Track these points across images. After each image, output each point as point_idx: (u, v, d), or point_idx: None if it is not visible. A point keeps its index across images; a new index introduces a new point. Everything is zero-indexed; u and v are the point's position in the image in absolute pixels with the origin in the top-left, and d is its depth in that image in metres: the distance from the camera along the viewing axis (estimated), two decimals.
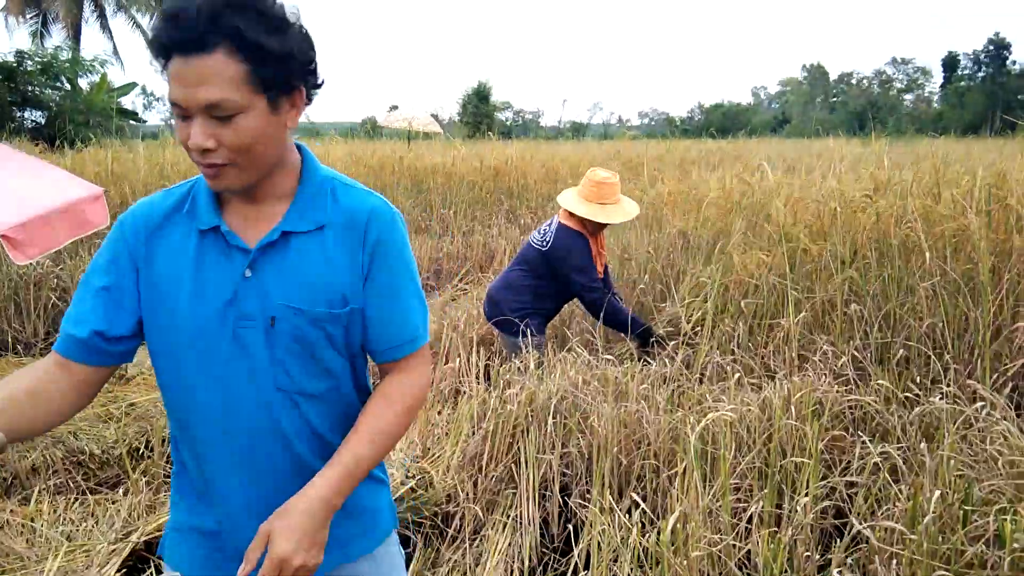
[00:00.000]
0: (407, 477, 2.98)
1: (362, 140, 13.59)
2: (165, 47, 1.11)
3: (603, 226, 3.91)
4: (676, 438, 2.68)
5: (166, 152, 10.13)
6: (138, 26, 29.98)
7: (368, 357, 1.43)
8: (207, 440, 1.29)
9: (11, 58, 17.36)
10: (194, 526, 1.35)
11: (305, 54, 1.20)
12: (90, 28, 29.97)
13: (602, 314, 3.74)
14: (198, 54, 1.10)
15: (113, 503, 3.15)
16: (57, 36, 28.62)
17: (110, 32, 30.08)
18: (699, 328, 3.23)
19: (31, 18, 28.69)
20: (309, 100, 1.26)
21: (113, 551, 2.72)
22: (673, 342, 3.28)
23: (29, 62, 17.86)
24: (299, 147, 1.34)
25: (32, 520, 2.94)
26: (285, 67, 1.17)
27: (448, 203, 8.24)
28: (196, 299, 1.24)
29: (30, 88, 17.42)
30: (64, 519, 3.02)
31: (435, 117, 20.94)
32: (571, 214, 3.85)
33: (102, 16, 29.79)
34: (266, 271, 1.24)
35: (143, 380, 4.50)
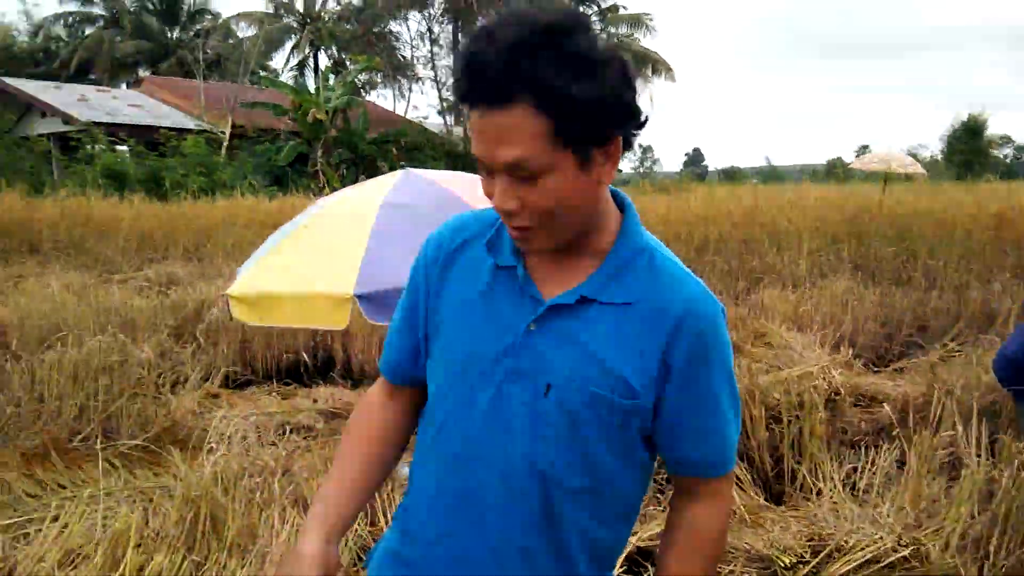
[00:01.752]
0: (899, 544, 2.86)
1: (831, 184, 13.17)
2: (463, 96, 0.98)
3: None
4: None
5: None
6: None
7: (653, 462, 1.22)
8: (440, 490, 1.15)
9: None
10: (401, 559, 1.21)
11: (621, 98, 0.98)
12: None
13: None
14: (495, 108, 0.95)
15: None
16: None
17: None
18: None
19: None
20: (628, 147, 1.05)
21: None
22: None
23: None
24: (620, 199, 1.15)
25: None
26: (596, 118, 0.97)
27: (936, 253, 7.50)
28: (474, 334, 1.12)
29: None
30: None
31: (914, 156, 19.12)
32: None
33: None
34: (552, 332, 1.08)
35: None
